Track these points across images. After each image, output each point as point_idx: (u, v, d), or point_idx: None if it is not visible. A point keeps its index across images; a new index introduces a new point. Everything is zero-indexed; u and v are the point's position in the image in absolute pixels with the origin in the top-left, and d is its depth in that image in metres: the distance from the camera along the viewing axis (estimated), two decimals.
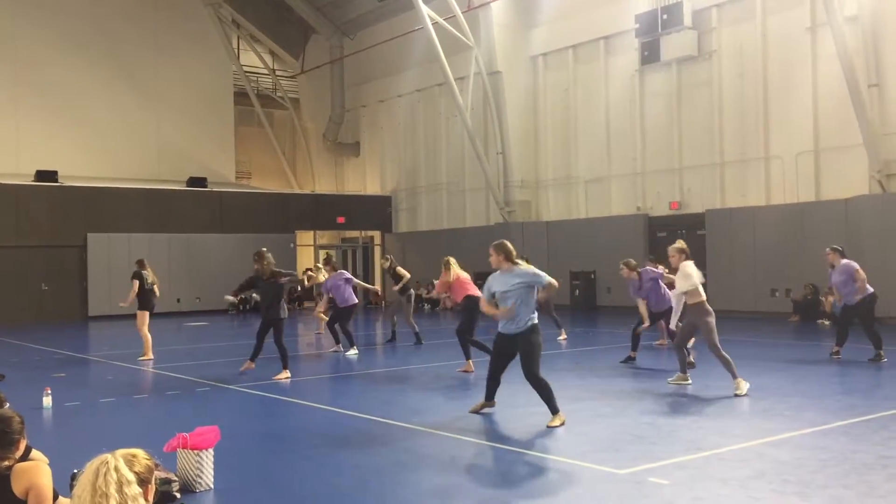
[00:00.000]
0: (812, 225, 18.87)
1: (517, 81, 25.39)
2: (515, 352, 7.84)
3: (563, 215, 24.95)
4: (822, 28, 18.62)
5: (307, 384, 11.02)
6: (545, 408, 7.75)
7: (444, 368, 11.85)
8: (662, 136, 22.39)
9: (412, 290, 15.85)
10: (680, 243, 9.73)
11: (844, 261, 11.84)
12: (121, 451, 3.22)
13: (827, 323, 17.38)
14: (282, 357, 11.28)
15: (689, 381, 9.71)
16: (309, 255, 30.50)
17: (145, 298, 13.74)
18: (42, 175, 25.13)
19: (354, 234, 31.87)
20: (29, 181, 24.93)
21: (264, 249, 11.52)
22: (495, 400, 8.30)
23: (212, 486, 5.74)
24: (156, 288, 13.98)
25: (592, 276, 23.75)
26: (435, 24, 23.42)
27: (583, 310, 23.01)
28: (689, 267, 9.36)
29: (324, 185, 33.32)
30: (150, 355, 13.71)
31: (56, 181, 25.18)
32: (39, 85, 27.50)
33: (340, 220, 29.92)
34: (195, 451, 5.69)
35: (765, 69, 20.12)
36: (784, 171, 19.82)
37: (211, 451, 5.79)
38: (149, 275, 13.87)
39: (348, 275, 14.92)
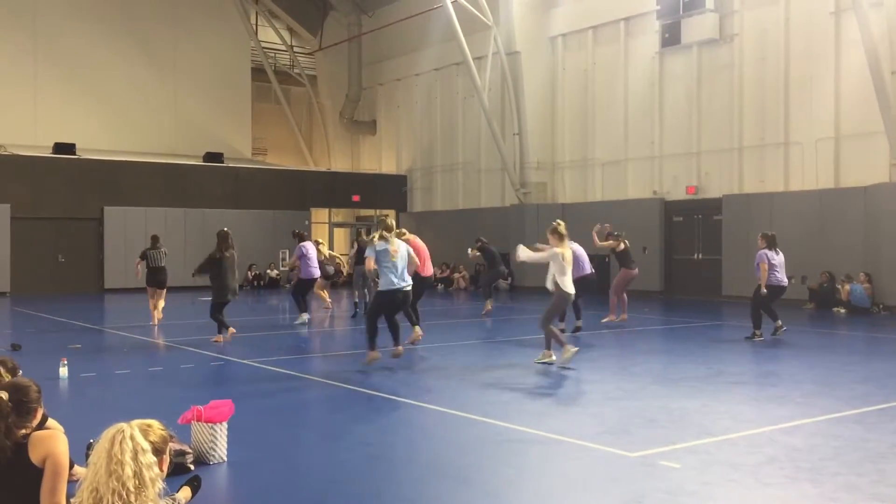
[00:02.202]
0: (830, 212, 18.72)
1: (536, 62, 25.22)
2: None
3: (579, 198, 24.85)
4: (847, 13, 18.37)
5: (320, 361, 11.07)
6: (555, 389, 7.74)
7: (454, 349, 11.89)
8: (681, 119, 22.22)
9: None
10: (558, 225, 10.27)
11: (761, 251, 12.92)
12: (136, 421, 3.25)
13: (843, 311, 17.31)
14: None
15: (553, 359, 10.02)
16: (324, 232, 30.56)
17: (149, 275, 15.06)
18: (60, 147, 25.24)
19: (369, 212, 31.89)
20: (47, 153, 25.06)
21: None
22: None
23: (225, 458, 5.79)
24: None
25: (606, 260, 23.57)
26: (454, 2, 23.27)
27: (596, 292, 22.91)
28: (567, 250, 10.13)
29: (339, 163, 33.31)
30: (155, 322, 14.86)
31: (74, 154, 25.29)
32: (58, 58, 27.56)
33: (356, 198, 29.93)
34: (209, 424, 5.73)
35: (787, 54, 19.89)
36: (803, 157, 19.64)
37: (225, 424, 5.83)
38: (159, 253, 15.14)
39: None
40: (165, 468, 3.28)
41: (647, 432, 6.61)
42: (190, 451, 5.62)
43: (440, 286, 26.89)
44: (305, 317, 15.00)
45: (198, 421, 5.75)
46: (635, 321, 15.55)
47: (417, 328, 11.89)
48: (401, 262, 9.75)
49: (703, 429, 6.71)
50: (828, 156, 19.20)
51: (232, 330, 12.60)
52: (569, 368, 9.73)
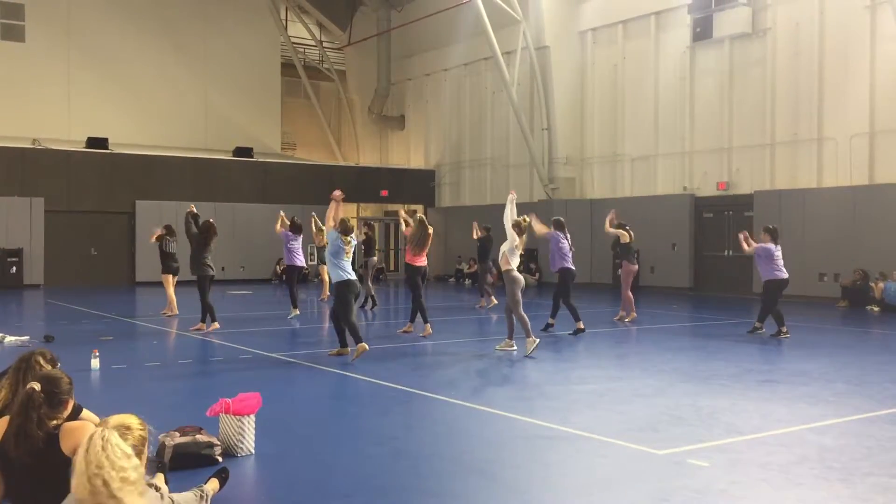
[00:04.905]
0: (864, 209, 18.44)
1: (565, 57, 25.09)
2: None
3: (608, 193, 24.71)
4: (882, 6, 18.08)
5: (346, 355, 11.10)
6: (583, 385, 7.69)
7: (480, 344, 11.89)
8: (712, 114, 21.99)
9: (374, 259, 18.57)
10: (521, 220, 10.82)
11: (764, 244, 12.68)
12: (114, 421, 3.33)
13: (877, 309, 17.05)
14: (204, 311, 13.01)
15: (515, 348, 10.71)
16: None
17: (166, 262, 15.56)
18: (93, 142, 25.56)
19: (397, 207, 31.91)
20: (80, 148, 25.39)
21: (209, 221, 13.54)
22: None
23: (253, 451, 5.82)
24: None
25: (636, 256, 23.49)
26: None
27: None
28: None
29: (368, 158, 33.39)
30: (175, 311, 15.34)
31: (106, 148, 25.60)
32: (91, 53, 27.88)
33: (384, 192, 29.99)
34: (237, 417, 5.77)
35: (821, 48, 19.60)
36: (837, 153, 19.36)
37: (253, 417, 5.87)
38: (173, 241, 15.78)
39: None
40: (144, 464, 3.37)
41: (675, 430, 6.56)
42: (218, 443, 5.66)
43: (468, 281, 26.86)
44: (297, 312, 15.29)
45: (226, 413, 5.79)
46: (663, 317, 15.43)
47: (411, 325, 12.55)
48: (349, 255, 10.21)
49: (733, 427, 6.65)
50: (862, 151, 18.91)
51: (213, 325, 13.07)
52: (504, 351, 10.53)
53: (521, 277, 10.65)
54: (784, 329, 12.38)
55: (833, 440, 6.19)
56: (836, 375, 9.16)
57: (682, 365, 9.89)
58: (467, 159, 29.44)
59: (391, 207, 32.23)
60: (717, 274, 21.99)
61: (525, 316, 10.53)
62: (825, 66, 19.58)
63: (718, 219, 22.07)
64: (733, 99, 21.50)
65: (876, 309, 17.10)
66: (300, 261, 15.92)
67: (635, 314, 14.76)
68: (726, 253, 21.80)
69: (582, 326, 12.65)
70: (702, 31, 21.59)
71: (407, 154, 32.45)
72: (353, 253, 10.22)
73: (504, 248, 10.65)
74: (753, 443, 6.14)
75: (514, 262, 10.62)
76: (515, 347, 10.75)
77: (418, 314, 12.76)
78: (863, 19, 18.78)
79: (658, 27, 23.23)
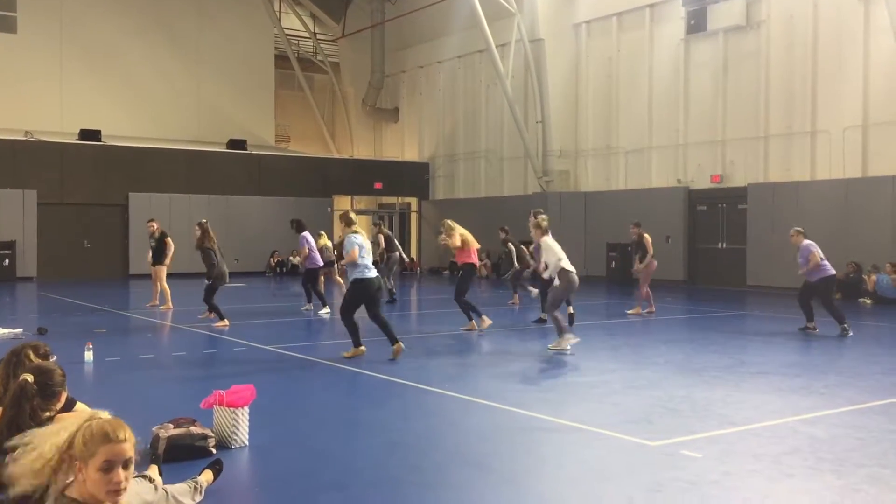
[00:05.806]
0: (857, 202, 18.49)
1: (559, 49, 25.07)
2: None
3: (602, 186, 24.72)
4: (876, 0, 18.10)
5: (342, 347, 11.11)
6: (577, 377, 7.70)
7: (476, 336, 11.90)
8: (706, 107, 22.01)
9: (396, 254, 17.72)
10: (541, 220, 10.58)
11: (804, 242, 12.36)
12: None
13: (869, 302, 17.11)
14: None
15: (569, 348, 10.06)
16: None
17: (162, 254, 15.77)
18: (85, 134, 25.47)
19: (392, 199, 31.92)
20: (73, 140, 25.29)
21: (205, 221, 13.56)
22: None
23: (247, 443, 5.82)
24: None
25: (629, 249, 23.50)
26: None
27: (619, 282, 22.86)
28: (550, 241, 10.31)
29: (362, 151, 33.35)
30: (170, 305, 15.40)
31: (99, 140, 25.51)
32: (84, 45, 27.77)
33: (378, 185, 29.98)
34: (231, 409, 5.77)
35: (815, 41, 19.62)
36: (831, 145, 19.40)
37: (246, 408, 5.87)
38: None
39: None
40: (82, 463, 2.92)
41: (668, 422, 6.58)
42: (212, 435, 5.66)
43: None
44: (327, 310, 14.88)
45: (220, 405, 5.79)
46: (658, 310, 15.46)
47: (481, 318, 12.36)
48: (370, 252, 9.88)
49: (726, 419, 6.67)
50: (855, 144, 18.95)
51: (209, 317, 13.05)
52: (564, 354, 9.91)
53: (576, 280, 10.34)
54: (812, 324, 12.22)
55: (825, 431, 6.22)
56: (829, 367, 9.20)
57: (675, 357, 9.92)
58: (461, 152, 29.41)
59: (385, 200, 32.21)
60: (711, 266, 22.05)
61: (560, 317, 10.30)
62: (819, 58, 19.60)
63: (712, 211, 22.11)
64: (727, 91, 21.52)
65: (868, 301, 17.17)
66: (320, 260, 15.65)
67: (640, 309, 14.77)
68: (720, 245, 21.85)
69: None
70: (696, 24, 21.60)
71: (401, 146, 32.41)
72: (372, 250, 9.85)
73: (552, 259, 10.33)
74: (746, 434, 6.17)
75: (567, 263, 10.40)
76: (569, 347, 10.12)
77: (473, 307, 12.54)
78: (856, 12, 18.80)
79: (652, 20, 23.22)
